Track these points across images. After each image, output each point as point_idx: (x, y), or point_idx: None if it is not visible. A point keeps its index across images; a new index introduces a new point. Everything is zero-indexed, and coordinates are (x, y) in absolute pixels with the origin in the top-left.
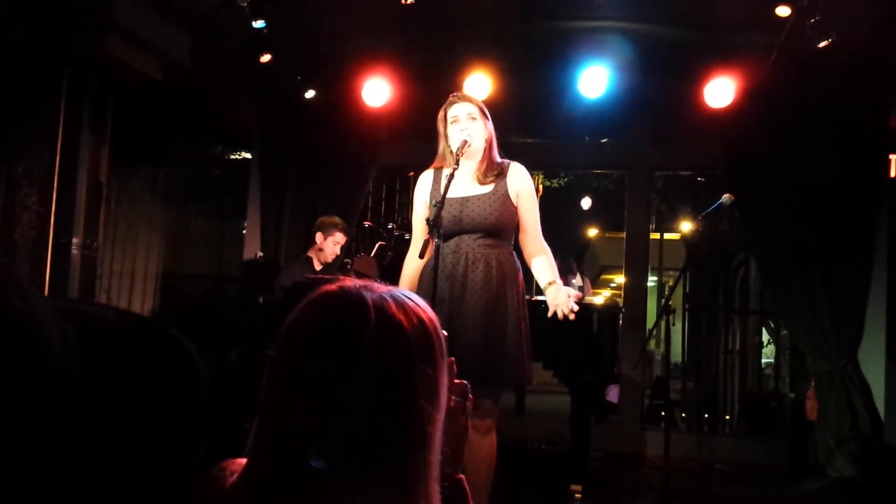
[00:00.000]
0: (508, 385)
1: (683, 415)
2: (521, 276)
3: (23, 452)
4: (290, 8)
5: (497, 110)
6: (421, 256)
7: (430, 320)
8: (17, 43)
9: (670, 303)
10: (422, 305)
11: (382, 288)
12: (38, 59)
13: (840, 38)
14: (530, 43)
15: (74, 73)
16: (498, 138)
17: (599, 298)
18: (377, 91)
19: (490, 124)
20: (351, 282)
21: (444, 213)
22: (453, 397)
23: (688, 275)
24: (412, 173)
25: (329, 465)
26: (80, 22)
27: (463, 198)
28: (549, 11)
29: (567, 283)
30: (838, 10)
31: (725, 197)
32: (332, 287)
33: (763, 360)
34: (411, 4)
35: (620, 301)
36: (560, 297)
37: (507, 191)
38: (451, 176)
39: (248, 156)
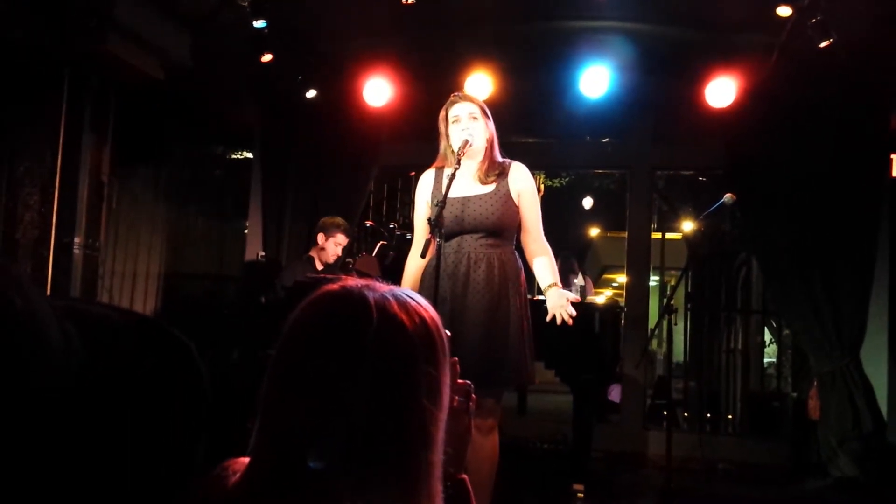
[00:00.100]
0: (510, 384)
1: (685, 414)
2: (523, 275)
3: (23, 451)
4: (290, 8)
5: (498, 110)
6: (423, 256)
7: (433, 320)
8: (18, 43)
9: (672, 302)
10: (424, 305)
11: (384, 287)
12: (39, 59)
13: (840, 38)
14: (531, 43)
15: (75, 73)
16: (499, 138)
17: (601, 298)
18: (378, 91)
19: (491, 124)
20: (353, 281)
21: (445, 213)
22: (456, 397)
23: (689, 274)
24: (413, 173)
25: (330, 464)
26: (80, 22)
27: (464, 197)
28: (550, 11)
29: (569, 282)
30: (839, 11)
31: (727, 196)
32: (334, 286)
33: (765, 360)
34: (412, 4)
35: (622, 301)
36: (559, 301)
37: (508, 190)
38: (453, 176)
39: (250, 155)
